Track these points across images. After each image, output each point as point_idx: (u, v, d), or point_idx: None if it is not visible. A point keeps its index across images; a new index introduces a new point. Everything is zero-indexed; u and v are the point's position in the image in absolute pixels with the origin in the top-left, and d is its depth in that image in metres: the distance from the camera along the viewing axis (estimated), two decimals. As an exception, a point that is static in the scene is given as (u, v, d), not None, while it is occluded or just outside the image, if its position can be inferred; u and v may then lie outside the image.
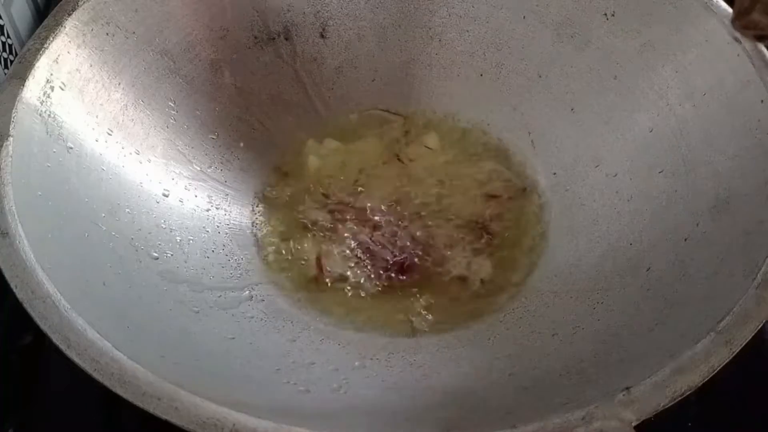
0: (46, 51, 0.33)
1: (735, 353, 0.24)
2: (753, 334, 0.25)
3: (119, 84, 0.37)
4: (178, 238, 0.36)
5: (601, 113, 0.39)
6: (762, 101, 0.32)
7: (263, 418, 0.23)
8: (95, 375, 0.24)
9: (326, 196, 0.41)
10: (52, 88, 0.33)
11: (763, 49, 0.33)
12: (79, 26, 0.35)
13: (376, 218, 0.40)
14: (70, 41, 0.34)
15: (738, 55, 0.33)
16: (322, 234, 0.40)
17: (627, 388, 0.23)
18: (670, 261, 0.32)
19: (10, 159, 0.29)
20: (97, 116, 0.35)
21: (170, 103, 0.39)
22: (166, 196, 0.37)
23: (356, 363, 0.33)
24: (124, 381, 0.24)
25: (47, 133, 0.32)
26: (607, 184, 0.38)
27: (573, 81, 0.41)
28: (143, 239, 0.34)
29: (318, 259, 0.38)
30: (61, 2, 0.35)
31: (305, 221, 0.40)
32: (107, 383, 0.24)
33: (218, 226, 0.38)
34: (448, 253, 0.39)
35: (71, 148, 0.33)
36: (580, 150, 0.40)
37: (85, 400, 0.34)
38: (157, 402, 0.23)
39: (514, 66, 0.43)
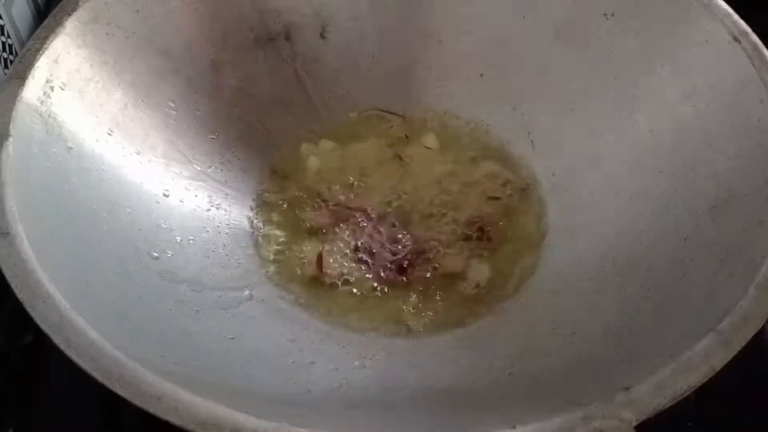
0: (46, 51, 0.33)
1: (735, 353, 0.24)
2: (753, 334, 0.25)
3: (119, 84, 0.37)
4: (178, 238, 0.36)
5: (601, 113, 0.39)
6: (762, 101, 0.32)
7: (263, 418, 0.23)
8: (95, 375, 0.24)
9: (326, 196, 0.41)
10: (52, 88, 0.33)
11: (763, 49, 0.33)
12: (79, 26, 0.35)
13: (376, 218, 0.40)
14: (70, 41, 0.34)
15: (738, 55, 0.33)
16: (321, 234, 0.40)
17: (627, 388, 0.23)
18: (670, 261, 0.32)
19: (10, 159, 0.29)
20: (97, 116, 0.35)
21: (170, 103, 0.39)
22: (167, 196, 0.37)
23: (356, 363, 0.33)
24: (124, 381, 0.24)
25: (47, 133, 0.32)
26: (607, 184, 0.38)
27: (573, 81, 0.41)
28: (143, 239, 0.34)
29: (318, 259, 0.38)
30: (61, 2, 0.35)
31: (305, 221, 0.40)
32: (107, 383, 0.24)
33: (218, 226, 0.38)
34: (448, 253, 0.39)
35: (71, 148, 0.33)
36: (580, 150, 0.40)
37: (85, 400, 0.34)
38: (157, 402, 0.23)
39: (514, 66, 0.43)
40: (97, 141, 0.35)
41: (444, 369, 0.33)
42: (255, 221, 0.40)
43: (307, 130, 0.44)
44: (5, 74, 0.33)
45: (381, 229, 0.40)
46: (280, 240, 0.39)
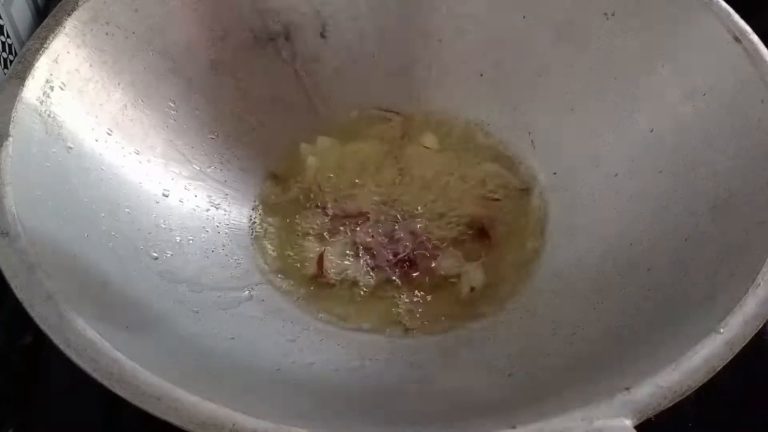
0: (46, 51, 0.33)
1: (735, 353, 0.24)
2: (753, 334, 0.25)
3: (119, 84, 0.37)
4: (177, 238, 0.36)
5: (601, 113, 0.39)
6: (762, 101, 0.32)
7: (263, 418, 0.23)
8: (95, 375, 0.24)
9: (325, 195, 0.41)
10: (51, 88, 0.33)
11: (763, 49, 0.33)
12: (78, 26, 0.35)
13: (375, 218, 0.40)
14: (69, 41, 0.34)
15: (738, 55, 0.33)
16: (321, 234, 0.40)
17: (627, 388, 0.23)
18: (670, 261, 0.32)
19: (10, 159, 0.29)
20: (96, 116, 0.35)
21: (170, 103, 0.39)
22: (166, 196, 0.37)
23: (356, 363, 0.33)
24: (123, 381, 0.24)
25: (47, 133, 0.32)
26: (607, 184, 0.38)
27: (573, 81, 0.41)
28: (143, 239, 0.34)
29: (317, 259, 0.38)
30: (61, 2, 0.35)
31: (305, 221, 0.40)
32: (107, 383, 0.24)
33: (218, 226, 0.38)
34: (447, 254, 0.39)
35: (71, 148, 0.33)
36: (580, 150, 0.40)
37: (85, 400, 0.34)
38: (156, 402, 0.23)
39: (514, 66, 0.43)
40: (97, 141, 0.35)
41: (444, 369, 0.33)
42: (254, 221, 0.40)
43: (307, 130, 0.44)
44: (5, 74, 0.33)
45: (380, 230, 0.40)
46: (280, 240, 0.39)
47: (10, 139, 0.30)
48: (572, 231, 0.38)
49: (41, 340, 0.30)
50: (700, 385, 0.24)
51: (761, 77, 0.32)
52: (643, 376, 0.24)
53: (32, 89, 0.32)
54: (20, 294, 0.26)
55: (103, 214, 0.33)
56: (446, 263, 0.38)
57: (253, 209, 0.41)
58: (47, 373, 0.35)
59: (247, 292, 0.36)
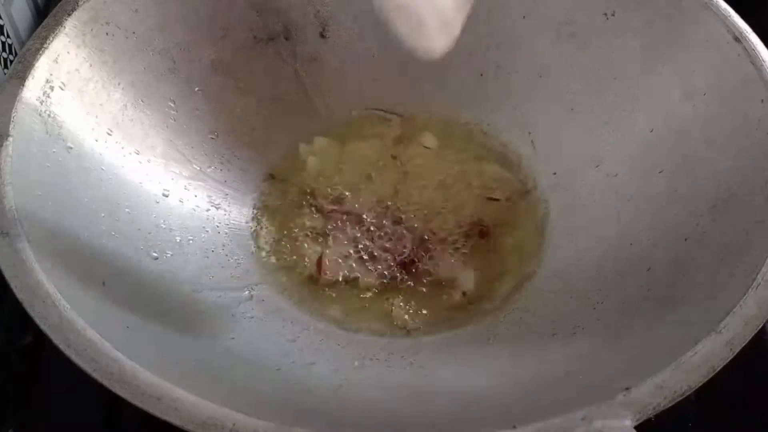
0: (46, 51, 0.33)
1: (735, 353, 0.24)
2: (753, 334, 0.25)
3: (119, 84, 0.37)
4: (177, 238, 0.36)
5: (601, 113, 0.39)
6: (762, 101, 0.32)
7: (263, 418, 0.23)
8: (95, 375, 0.24)
9: (325, 196, 0.41)
10: (51, 88, 0.33)
11: (763, 49, 0.33)
12: (79, 26, 0.35)
13: (375, 219, 0.40)
14: (69, 41, 0.34)
15: (738, 55, 0.33)
16: (321, 234, 0.40)
17: (627, 388, 0.23)
18: (670, 261, 0.32)
19: (10, 159, 0.29)
20: (96, 116, 0.35)
21: (170, 103, 0.39)
22: (166, 196, 0.37)
23: (356, 363, 0.33)
24: (123, 381, 0.24)
25: (47, 132, 0.32)
26: (607, 184, 0.38)
27: (573, 81, 0.41)
28: (143, 239, 0.34)
29: (318, 259, 0.38)
30: (61, 2, 0.35)
31: (305, 221, 0.40)
32: (107, 383, 0.24)
33: (218, 226, 0.38)
34: (448, 254, 0.39)
35: (71, 148, 0.33)
36: (580, 150, 0.40)
37: (85, 400, 0.34)
38: (156, 402, 0.23)
39: (514, 66, 0.43)
40: (97, 141, 0.35)
41: (444, 369, 0.33)
42: (254, 221, 0.40)
43: (307, 130, 0.44)
44: (5, 74, 0.33)
45: (380, 230, 0.40)
46: (280, 240, 0.39)
47: (10, 139, 0.30)
48: (572, 231, 0.38)
49: (41, 340, 0.30)
50: (700, 385, 0.24)
51: (761, 77, 0.32)
52: (643, 376, 0.24)
53: (32, 89, 0.32)
54: (20, 294, 0.26)
55: (103, 214, 0.33)
56: (448, 262, 0.38)
57: (253, 209, 0.41)
58: (47, 373, 0.35)
59: (247, 292, 0.36)
